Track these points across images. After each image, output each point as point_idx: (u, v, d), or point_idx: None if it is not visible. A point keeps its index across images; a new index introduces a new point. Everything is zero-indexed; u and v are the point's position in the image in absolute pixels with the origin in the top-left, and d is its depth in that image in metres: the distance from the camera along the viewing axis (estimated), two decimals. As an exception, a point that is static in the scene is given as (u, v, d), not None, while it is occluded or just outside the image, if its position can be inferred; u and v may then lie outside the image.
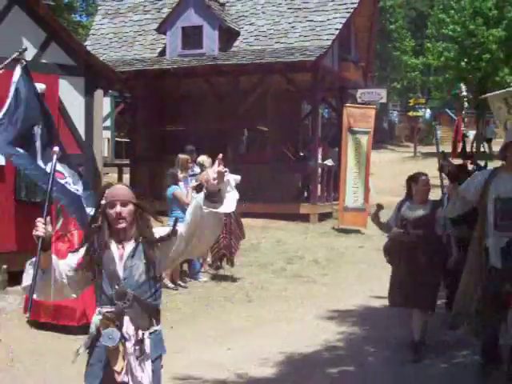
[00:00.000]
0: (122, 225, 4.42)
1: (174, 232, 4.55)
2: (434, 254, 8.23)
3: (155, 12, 24.06)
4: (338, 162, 21.40)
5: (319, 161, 21.37)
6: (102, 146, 20.58)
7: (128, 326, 4.30)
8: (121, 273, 4.36)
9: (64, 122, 11.87)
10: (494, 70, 38.94)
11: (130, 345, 4.31)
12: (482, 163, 10.97)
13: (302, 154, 23.56)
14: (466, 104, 14.14)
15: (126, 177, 23.43)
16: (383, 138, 48.91)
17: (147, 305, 4.39)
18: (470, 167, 10.75)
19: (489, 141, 38.93)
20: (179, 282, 12.39)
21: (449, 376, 7.64)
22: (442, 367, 7.96)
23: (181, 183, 12.56)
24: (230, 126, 21.49)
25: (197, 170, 13.68)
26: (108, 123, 30.35)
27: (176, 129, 22.46)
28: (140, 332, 4.35)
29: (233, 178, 14.36)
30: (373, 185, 22.67)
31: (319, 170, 21.13)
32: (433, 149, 42.74)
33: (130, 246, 4.44)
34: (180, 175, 12.50)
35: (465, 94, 13.73)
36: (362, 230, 18.81)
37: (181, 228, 4.55)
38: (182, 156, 12.96)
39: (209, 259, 13.51)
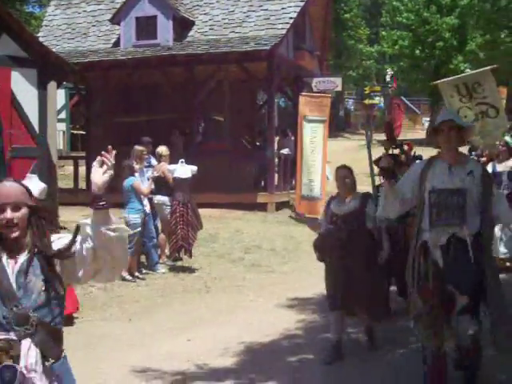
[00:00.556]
0: (15, 234, 3.59)
1: (73, 242, 3.66)
2: (366, 250, 7.75)
3: (109, 2, 23.86)
4: (294, 151, 21.46)
5: (275, 150, 21.42)
6: (57, 138, 20.42)
7: (30, 356, 3.48)
8: (16, 291, 3.53)
9: (17, 114, 11.73)
10: (448, 58, 39.38)
11: (35, 379, 3.48)
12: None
13: (258, 144, 23.59)
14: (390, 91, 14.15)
15: (82, 169, 23.25)
16: (339, 126, 49.20)
17: (54, 330, 3.63)
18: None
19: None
20: (137, 274, 12.33)
21: (405, 361, 7.70)
22: (398, 353, 8.02)
23: (137, 174, 12.50)
24: (186, 116, 21.44)
25: (153, 161, 13.62)
26: (63, 115, 30.10)
27: (132, 120, 22.32)
28: (47, 363, 3.58)
29: (189, 168, 14.30)
30: (331, 173, 22.75)
31: (276, 159, 21.18)
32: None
33: (22, 258, 3.61)
34: (136, 166, 12.44)
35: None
36: (320, 219, 18.87)
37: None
38: (137, 147, 12.88)
39: (167, 250, 13.47)
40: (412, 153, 11.98)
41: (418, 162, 7.28)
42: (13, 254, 3.60)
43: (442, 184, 6.06)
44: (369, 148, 7.92)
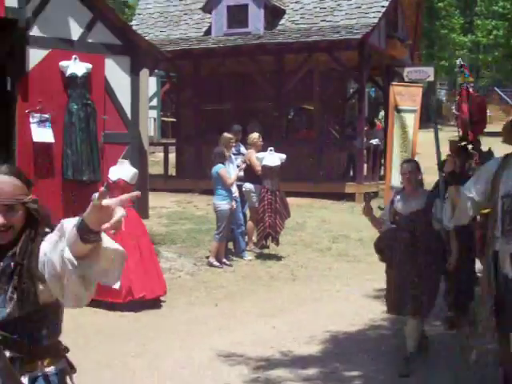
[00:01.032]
0: (6, 239, 3.04)
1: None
2: (432, 253, 7.15)
3: (201, -9, 24.03)
4: (383, 141, 21.19)
5: (365, 140, 21.25)
6: (148, 125, 20.71)
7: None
8: None
9: (110, 101, 11.93)
10: (544, 48, 38.33)
11: None
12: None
13: (348, 133, 23.43)
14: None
15: (172, 156, 23.58)
16: (431, 117, 48.47)
17: (33, 348, 3.06)
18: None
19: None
20: (224, 261, 12.43)
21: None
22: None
23: (227, 162, 12.59)
24: (276, 104, 21.48)
25: (243, 149, 13.68)
26: (154, 103, 30.54)
27: (221, 108, 22.48)
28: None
29: (278, 157, 14.34)
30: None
31: (365, 149, 21.01)
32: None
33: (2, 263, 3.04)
34: (226, 154, 12.50)
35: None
36: (383, 216, 18.64)
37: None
38: (225, 135, 12.97)
39: (254, 238, 13.54)
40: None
41: (491, 161, 5.83)
42: None
43: None
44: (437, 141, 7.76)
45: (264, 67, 21.53)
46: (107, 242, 2.77)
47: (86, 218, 2.68)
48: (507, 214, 5.23)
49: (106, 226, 2.63)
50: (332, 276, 12.11)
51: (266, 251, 13.37)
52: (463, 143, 9.12)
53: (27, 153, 10.95)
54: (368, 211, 7.46)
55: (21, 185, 3.10)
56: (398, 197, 7.46)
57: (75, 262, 2.71)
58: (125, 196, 2.88)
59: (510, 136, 5.64)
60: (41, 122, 10.94)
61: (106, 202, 2.68)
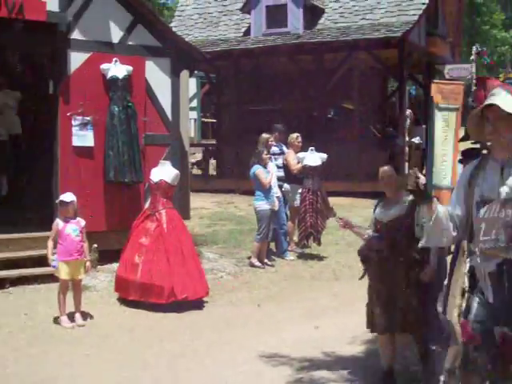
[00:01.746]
0: None
1: None
2: (411, 264, 6.55)
3: (239, -9, 24.08)
4: (425, 140, 21.03)
5: (406, 138, 21.11)
6: (189, 126, 20.77)
7: None
8: None
9: (151, 102, 11.98)
10: None
11: None
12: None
13: (389, 132, 23.27)
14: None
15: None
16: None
17: None
18: None
19: None
20: (266, 261, 12.41)
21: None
22: None
23: (270, 163, 12.53)
24: (315, 104, 21.42)
25: (285, 149, 13.63)
26: (194, 104, 30.59)
27: (262, 108, 22.47)
28: None
29: (319, 156, 14.29)
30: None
31: (407, 147, 20.87)
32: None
33: None
34: (264, 155, 12.42)
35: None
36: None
37: None
38: (263, 135, 12.95)
39: (295, 238, 13.50)
40: None
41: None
42: None
43: (492, 192, 4.38)
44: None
45: (304, 67, 21.48)
46: None
47: None
48: (482, 222, 4.38)
49: None
50: (374, 276, 12.02)
51: (307, 251, 13.33)
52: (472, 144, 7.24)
53: (70, 155, 11.06)
54: (347, 226, 7.14)
55: None
56: (380, 204, 7.00)
57: None
58: None
59: (476, 129, 4.58)
60: (83, 125, 11.05)
61: None
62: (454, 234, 4.59)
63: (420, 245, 4.98)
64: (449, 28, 24.69)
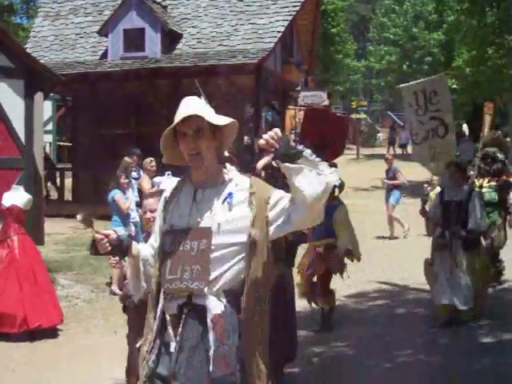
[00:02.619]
0: None
1: None
2: None
3: (97, 14, 23.87)
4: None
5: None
6: (44, 149, 20.31)
7: None
8: None
9: (4, 125, 11.69)
10: (435, 73, 39.56)
11: None
12: None
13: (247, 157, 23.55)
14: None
15: (68, 181, 23.18)
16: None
17: None
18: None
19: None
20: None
21: (393, 375, 7.68)
22: (386, 367, 8.00)
23: (130, 189, 12.41)
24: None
25: (142, 173, 13.49)
26: (50, 127, 30.01)
27: (118, 132, 22.26)
28: None
29: (176, 181, 14.09)
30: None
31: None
32: (375, 150, 43.22)
33: None
34: (122, 179, 12.30)
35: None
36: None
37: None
38: (126, 159, 12.82)
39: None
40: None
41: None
42: None
43: (182, 221, 3.73)
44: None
45: (161, 91, 21.47)
46: None
47: None
48: (167, 256, 3.70)
49: None
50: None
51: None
52: None
53: None
54: None
55: None
56: None
57: None
58: None
59: (171, 152, 3.96)
60: None
61: None
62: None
63: None
64: (304, 56, 25.32)
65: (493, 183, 11.45)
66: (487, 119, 11.83)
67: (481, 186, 11.30)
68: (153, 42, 21.44)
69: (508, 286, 11.91)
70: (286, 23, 21.50)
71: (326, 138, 7.93)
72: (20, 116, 12.06)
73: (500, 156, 11.74)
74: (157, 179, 13.01)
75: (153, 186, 13.11)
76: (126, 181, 12.39)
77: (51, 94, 21.50)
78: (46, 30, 24.27)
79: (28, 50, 18.14)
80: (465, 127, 41.22)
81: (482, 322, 9.49)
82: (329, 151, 7.68)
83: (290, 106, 21.65)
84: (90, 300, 11.57)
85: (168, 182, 13.11)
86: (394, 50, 40.58)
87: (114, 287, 12.02)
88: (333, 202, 7.87)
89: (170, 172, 13.31)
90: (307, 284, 9.09)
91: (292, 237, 6.49)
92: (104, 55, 22.27)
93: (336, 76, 53.61)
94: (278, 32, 21.24)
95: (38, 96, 12.95)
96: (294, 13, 21.85)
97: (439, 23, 39.53)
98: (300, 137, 8.35)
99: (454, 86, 38.83)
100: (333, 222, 8.56)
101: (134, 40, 21.63)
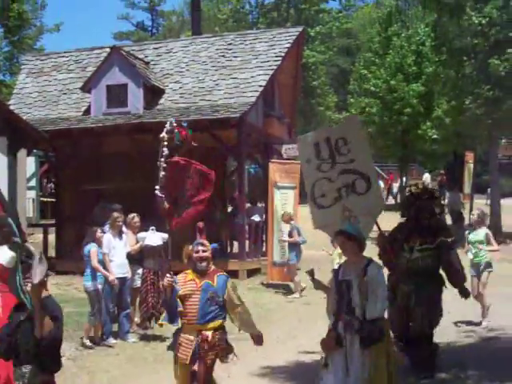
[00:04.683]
0: None
1: None
2: None
3: (80, 71, 24.07)
4: (264, 218, 21.49)
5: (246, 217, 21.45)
6: (27, 205, 20.28)
7: None
8: None
9: (-14, 182, 11.67)
10: (415, 124, 40.06)
11: None
12: None
13: (229, 211, 23.60)
14: None
15: (52, 237, 23.08)
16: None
17: None
18: None
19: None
20: (105, 342, 12.20)
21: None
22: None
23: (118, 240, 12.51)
24: (156, 183, 21.38)
25: (124, 229, 13.47)
26: (33, 183, 29.97)
27: (101, 187, 22.24)
28: None
29: (160, 236, 14.13)
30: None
31: (247, 226, 21.19)
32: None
33: None
34: (98, 234, 12.41)
35: None
36: (291, 285, 18.81)
37: None
38: (114, 214, 12.84)
39: (137, 319, 13.32)
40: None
41: None
42: None
43: None
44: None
45: (144, 146, 21.50)
46: None
47: None
48: None
49: None
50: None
51: (149, 332, 13.15)
52: None
53: None
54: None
55: None
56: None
57: None
58: None
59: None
60: None
61: None
62: None
63: None
64: (285, 109, 25.53)
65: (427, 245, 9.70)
66: (468, 168, 11.88)
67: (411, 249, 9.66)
68: (135, 98, 21.57)
69: (495, 334, 11.91)
70: (267, 77, 21.73)
71: (188, 190, 8.15)
72: (3, 173, 12.09)
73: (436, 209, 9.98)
74: (142, 234, 13.10)
75: (137, 242, 13.19)
76: (102, 235, 12.45)
77: (34, 150, 21.61)
78: (30, 86, 24.40)
79: (11, 107, 18.23)
80: (426, 176, 41.52)
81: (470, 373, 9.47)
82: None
83: (272, 159, 21.73)
84: (74, 357, 11.46)
85: (153, 237, 13.18)
86: (375, 102, 40.93)
87: (85, 340, 12.05)
88: None
89: (153, 227, 13.41)
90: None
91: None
92: (87, 111, 22.38)
93: (318, 128, 54.11)
94: (260, 86, 21.45)
95: (21, 152, 12.99)
96: (275, 67, 22.11)
97: (418, 75, 40.04)
98: (161, 188, 8.22)
99: (435, 136, 39.23)
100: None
101: (117, 95, 21.76)
